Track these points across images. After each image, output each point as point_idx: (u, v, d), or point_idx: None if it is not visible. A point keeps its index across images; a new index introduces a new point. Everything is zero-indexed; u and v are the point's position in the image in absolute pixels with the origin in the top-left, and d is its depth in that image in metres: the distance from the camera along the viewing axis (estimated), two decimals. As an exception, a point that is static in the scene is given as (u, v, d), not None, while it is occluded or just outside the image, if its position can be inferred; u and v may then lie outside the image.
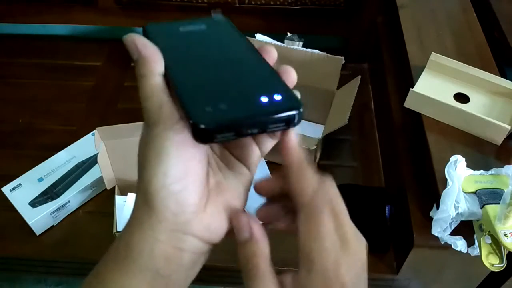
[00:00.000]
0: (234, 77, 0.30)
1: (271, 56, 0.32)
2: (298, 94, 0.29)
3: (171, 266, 0.30)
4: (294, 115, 0.27)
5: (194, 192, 0.29)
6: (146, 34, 0.32)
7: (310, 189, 0.29)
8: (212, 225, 0.30)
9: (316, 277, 0.28)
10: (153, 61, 0.29)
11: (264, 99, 0.28)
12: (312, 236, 0.28)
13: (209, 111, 0.27)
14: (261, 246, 0.29)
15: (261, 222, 0.31)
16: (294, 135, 0.30)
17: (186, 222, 0.29)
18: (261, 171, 0.94)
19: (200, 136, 0.26)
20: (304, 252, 0.28)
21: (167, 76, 0.29)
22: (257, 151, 0.32)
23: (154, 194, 0.28)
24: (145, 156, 0.29)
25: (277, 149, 0.31)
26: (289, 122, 0.28)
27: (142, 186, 0.29)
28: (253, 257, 0.29)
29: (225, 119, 0.26)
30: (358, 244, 0.29)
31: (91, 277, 0.31)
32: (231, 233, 0.31)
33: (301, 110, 0.27)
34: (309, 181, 0.29)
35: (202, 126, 0.26)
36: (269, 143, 0.32)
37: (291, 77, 0.30)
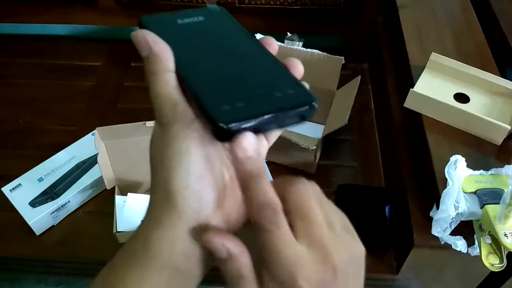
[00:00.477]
0: (245, 72, 0.30)
1: (273, 48, 0.32)
2: (307, 86, 0.29)
3: (190, 262, 0.30)
4: (309, 108, 0.28)
5: (214, 188, 0.29)
6: (143, 27, 0.31)
7: (257, 208, 0.27)
8: (230, 218, 0.30)
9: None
10: (164, 58, 0.29)
11: (278, 94, 0.28)
12: (267, 251, 0.27)
13: (228, 110, 0.26)
14: (242, 261, 0.29)
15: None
16: (245, 152, 0.27)
17: (206, 219, 0.29)
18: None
19: (221, 135, 0.26)
20: (264, 263, 0.27)
21: (177, 73, 0.29)
22: (265, 142, 0.32)
23: (176, 192, 0.28)
24: (164, 155, 0.28)
25: (277, 148, 0.31)
26: (304, 116, 0.28)
27: (161, 185, 0.29)
28: (236, 272, 0.29)
29: (245, 117, 0.26)
30: (334, 250, 0.27)
31: (107, 271, 0.31)
32: (248, 223, 0.31)
33: (315, 103, 0.28)
34: (255, 199, 0.27)
35: (224, 125, 0.26)
36: (274, 133, 0.32)
37: (298, 70, 0.30)
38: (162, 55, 0.29)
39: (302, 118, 0.28)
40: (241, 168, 0.28)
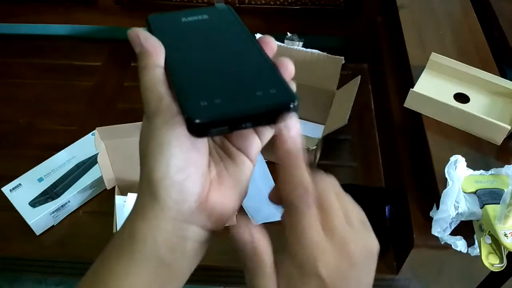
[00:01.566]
0: (231, 70, 0.30)
1: (271, 47, 0.32)
2: (293, 87, 0.29)
3: (174, 254, 0.30)
4: (287, 108, 0.27)
5: (196, 181, 0.30)
6: (148, 26, 0.33)
7: (291, 186, 0.29)
8: (214, 214, 0.31)
9: (294, 270, 0.28)
10: (154, 53, 0.30)
11: (259, 93, 0.28)
12: (292, 231, 0.29)
13: (204, 106, 0.27)
14: (263, 245, 0.30)
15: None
16: (289, 131, 0.30)
17: (189, 211, 0.30)
18: (261, 170, 0.94)
19: (195, 130, 0.27)
20: (286, 244, 0.29)
21: (166, 68, 0.30)
22: (258, 141, 0.32)
23: (157, 182, 0.29)
24: (147, 146, 0.29)
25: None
26: (283, 115, 0.28)
27: (145, 176, 0.30)
28: (255, 256, 0.30)
29: (218, 113, 0.27)
30: (352, 242, 0.29)
31: (97, 264, 0.32)
32: (231, 221, 0.32)
33: (295, 103, 0.27)
34: (291, 178, 0.30)
35: (196, 120, 0.26)
36: (268, 132, 0.32)
37: (288, 70, 0.30)
38: (152, 51, 0.30)
39: (281, 117, 0.28)
40: (282, 146, 0.30)
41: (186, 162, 0.29)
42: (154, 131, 0.29)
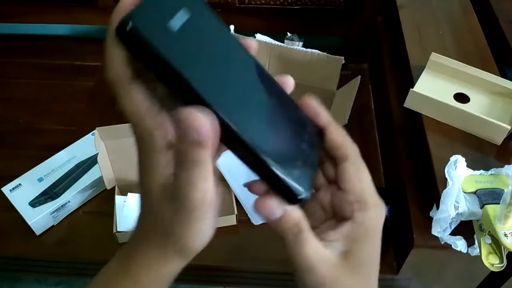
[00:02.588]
0: (283, 127, 0.29)
1: (254, 49, 0.30)
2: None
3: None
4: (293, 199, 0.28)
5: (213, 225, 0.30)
6: (135, 39, 0.24)
7: (350, 142, 0.31)
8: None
9: (372, 211, 0.30)
10: (211, 143, 0.26)
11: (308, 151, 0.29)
12: (361, 179, 0.31)
13: (300, 178, 0.27)
14: (296, 215, 0.29)
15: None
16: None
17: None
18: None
19: (296, 202, 0.28)
20: (355, 195, 0.30)
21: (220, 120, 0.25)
22: None
23: (194, 250, 0.30)
24: (179, 216, 0.28)
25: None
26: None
27: (168, 233, 0.29)
28: (294, 226, 0.29)
29: (311, 185, 0.28)
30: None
31: None
32: None
33: (302, 198, 0.28)
34: (346, 136, 0.31)
35: (303, 196, 0.27)
36: None
37: (289, 86, 0.31)
38: (210, 140, 0.25)
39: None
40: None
41: (215, 220, 0.29)
42: (190, 218, 0.28)
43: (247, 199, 0.90)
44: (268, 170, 0.26)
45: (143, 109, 0.26)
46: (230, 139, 0.26)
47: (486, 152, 0.74)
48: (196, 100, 0.25)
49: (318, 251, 0.29)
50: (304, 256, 0.29)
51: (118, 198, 0.87)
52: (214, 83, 0.25)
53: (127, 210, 0.85)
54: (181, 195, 0.27)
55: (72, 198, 0.90)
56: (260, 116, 0.27)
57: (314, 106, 0.31)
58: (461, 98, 0.81)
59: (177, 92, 0.25)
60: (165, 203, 0.28)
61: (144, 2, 0.25)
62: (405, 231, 0.76)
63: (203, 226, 0.28)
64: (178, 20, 0.25)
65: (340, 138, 0.31)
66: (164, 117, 0.26)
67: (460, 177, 0.66)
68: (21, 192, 0.89)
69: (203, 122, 0.24)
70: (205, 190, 0.27)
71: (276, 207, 0.28)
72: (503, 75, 0.84)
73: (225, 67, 0.27)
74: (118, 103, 0.27)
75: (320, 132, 0.31)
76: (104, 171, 0.88)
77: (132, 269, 0.31)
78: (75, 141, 0.98)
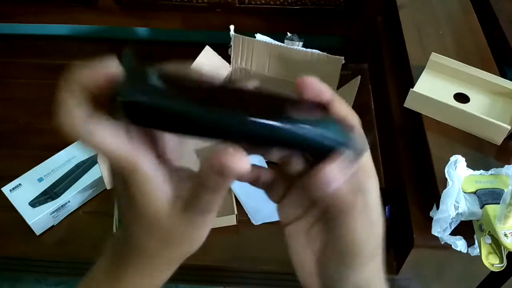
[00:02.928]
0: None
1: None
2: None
3: None
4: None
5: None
6: (135, 106, 0.24)
7: (353, 113, 0.32)
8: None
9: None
10: None
11: None
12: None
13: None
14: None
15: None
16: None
17: None
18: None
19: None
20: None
21: None
22: None
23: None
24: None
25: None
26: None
27: (183, 249, 0.30)
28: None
29: None
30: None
31: None
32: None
33: None
34: (349, 108, 0.31)
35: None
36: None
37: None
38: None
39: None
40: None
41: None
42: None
43: (247, 199, 0.90)
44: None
45: (116, 143, 0.25)
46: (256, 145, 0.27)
47: (486, 152, 0.74)
48: (215, 132, 0.25)
49: None
50: None
51: (118, 198, 0.87)
52: (219, 112, 0.25)
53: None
54: (200, 211, 0.28)
55: (72, 198, 0.90)
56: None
57: (317, 84, 0.30)
58: (461, 98, 0.81)
59: (191, 133, 0.25)
60: (175, 217, 0.28)
61: (124, 75, 0.25)
62: (405, 231, 0.76)
63: (207, 231, 0.29)
64: (154, 78, 0.25)
65: (343, 111, 0.31)
66: (139, 142, 0.26)
67: (460, 177, 0.66)
68: (21, 192, 0.89)
69: (239, 164, 0.24)
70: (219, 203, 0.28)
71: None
72: (503, 75, 0.84)
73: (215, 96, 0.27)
74: (86, 145, 0.25)
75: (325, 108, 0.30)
76: (104, 171, 0.88)
77: (124, 281, 0.31)
78: (75, 141, 0.98)
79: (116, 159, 0.25)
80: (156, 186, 0.27)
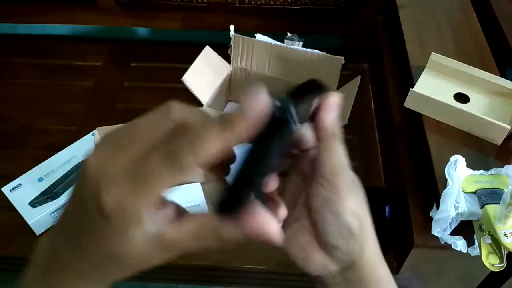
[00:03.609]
0: None
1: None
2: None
3: None
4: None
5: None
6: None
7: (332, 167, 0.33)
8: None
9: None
10: None
11: None
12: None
13: None
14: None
15: None
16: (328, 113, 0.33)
17: None
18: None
19: None
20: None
21: None
22: None
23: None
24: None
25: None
26: None
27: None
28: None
29: None
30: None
31: None
32: None
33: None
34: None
35: None
36: None
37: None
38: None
39: None
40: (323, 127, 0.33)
41: None
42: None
43: (247, 199, 0.89)
44: None
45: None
46: None
47: (486, 152, 0.74)
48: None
49: None
50: None
51: (118, 198, 0.87)
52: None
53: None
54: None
55: (72, 198, 0.90)
56: None
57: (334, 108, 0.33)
58: (461, 98, 0.81)
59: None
60: (156, 253, 0.27)
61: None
62: (405, 231, 0.76)
63: None
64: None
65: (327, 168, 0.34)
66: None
67: (460, 177, 0.66)
68: (21, 192, 0.89)
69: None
70: None
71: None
72: (503, 75, 0.84)
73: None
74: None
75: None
76: (104, 171, 0.88)
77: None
78: (75, 141, 0.98)
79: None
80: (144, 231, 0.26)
